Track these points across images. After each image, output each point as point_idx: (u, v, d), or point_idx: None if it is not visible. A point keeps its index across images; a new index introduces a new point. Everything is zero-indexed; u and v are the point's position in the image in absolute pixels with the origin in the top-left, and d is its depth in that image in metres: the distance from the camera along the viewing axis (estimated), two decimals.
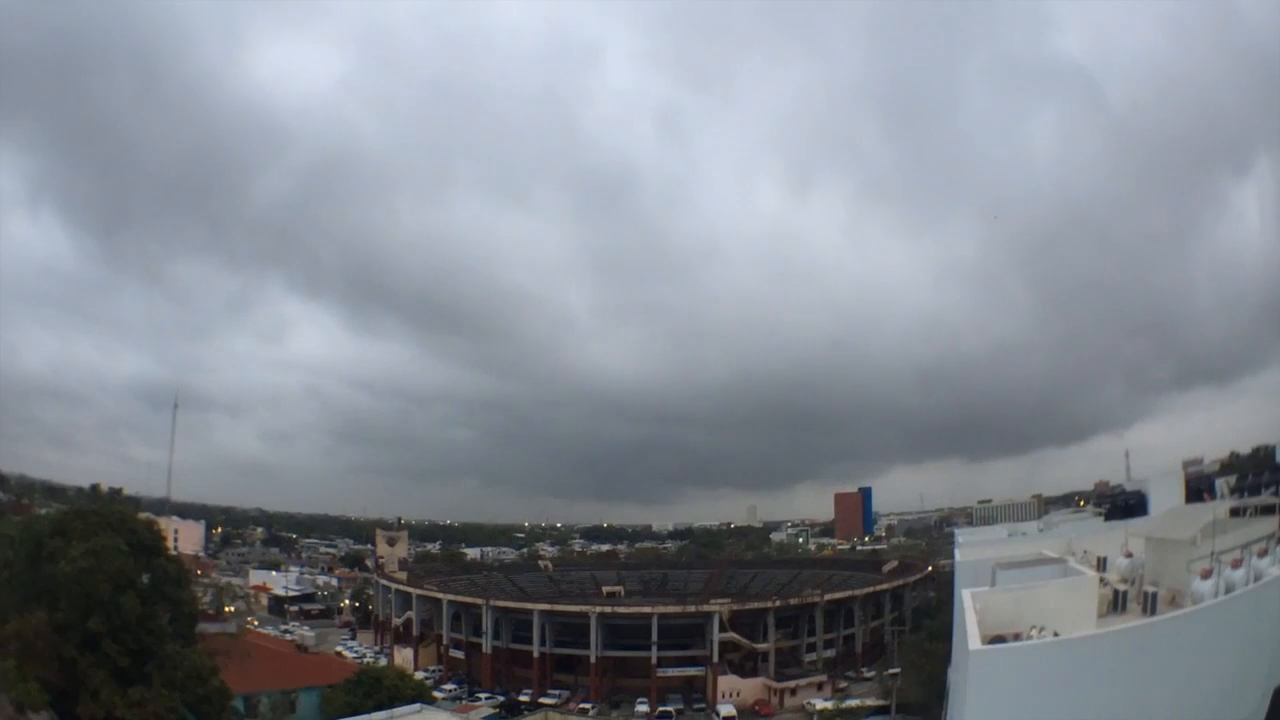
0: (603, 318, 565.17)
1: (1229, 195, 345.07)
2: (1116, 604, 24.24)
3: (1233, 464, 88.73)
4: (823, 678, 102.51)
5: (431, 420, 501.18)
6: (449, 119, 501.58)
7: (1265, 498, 38.71)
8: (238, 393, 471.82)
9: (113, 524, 50.29)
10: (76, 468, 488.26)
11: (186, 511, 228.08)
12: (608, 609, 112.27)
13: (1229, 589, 19.99)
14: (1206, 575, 21.22)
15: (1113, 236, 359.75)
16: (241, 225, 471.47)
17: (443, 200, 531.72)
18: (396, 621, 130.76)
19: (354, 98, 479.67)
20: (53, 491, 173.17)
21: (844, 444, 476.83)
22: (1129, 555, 28.31)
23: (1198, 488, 49.88)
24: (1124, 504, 51.84)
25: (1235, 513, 32.86)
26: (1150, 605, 22.51)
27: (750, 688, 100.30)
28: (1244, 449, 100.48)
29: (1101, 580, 25.69)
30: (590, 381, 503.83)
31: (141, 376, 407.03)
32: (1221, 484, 50.48)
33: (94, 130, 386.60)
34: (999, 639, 20.59)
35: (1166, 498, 45.26)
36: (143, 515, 66.70)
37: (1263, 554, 20.44)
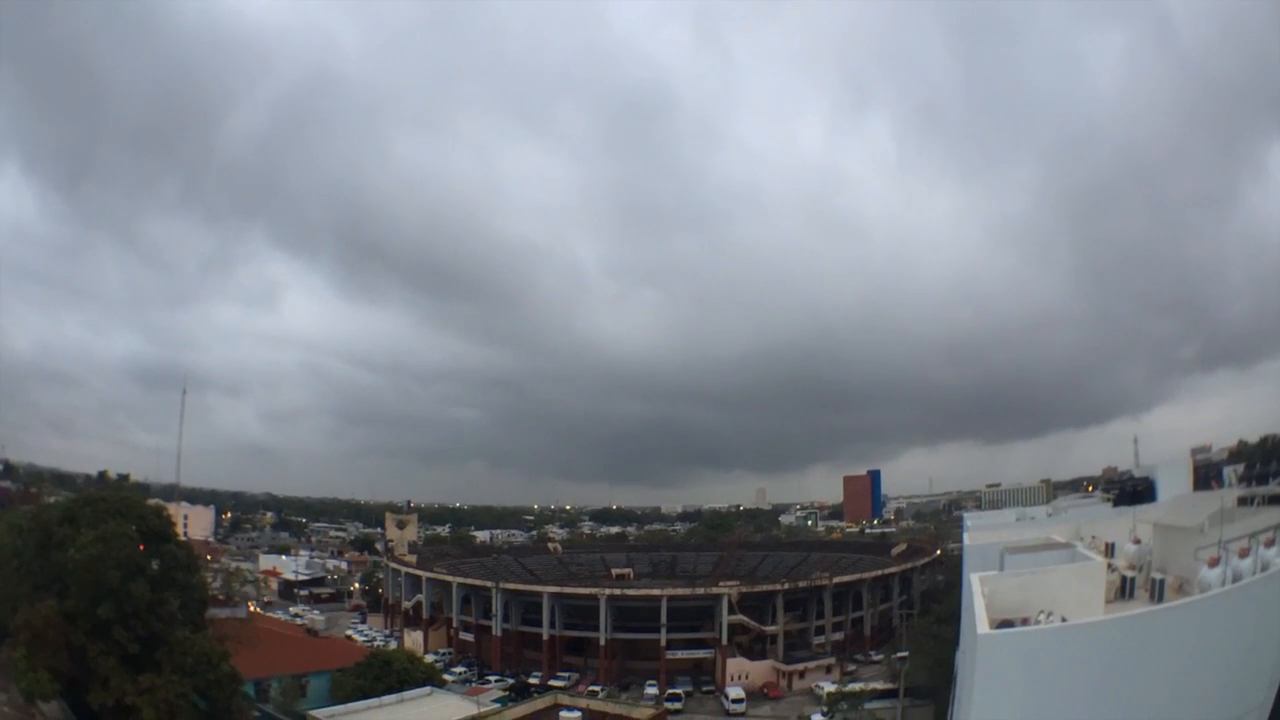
0: (618, 277, 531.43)
1: (1270, 161, 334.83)
2: (1124, 590, 24.13)
3: (1241, 452, 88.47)
4: (831, 661, 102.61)
5: (435, 399, 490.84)
6: (449, 24, 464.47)
7: (1273, 487, 38.59)
8: (234, 371, 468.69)
9: (122, 511, 50.32)
10: (79, 454, 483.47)
11: (196, 497, 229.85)
12: (617, 591, 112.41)
13: (1236, 578, 20.03)
14: (1214, 564, 21.21)
15: (1161, 195, 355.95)
16: (217, 172, 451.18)
17: (442, 127, 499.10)
18: (406, 605, 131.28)
19: (337, 5, 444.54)
20: (61, 480, 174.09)
21: (862, 423, 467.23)
22: (1137, 542, 28.13)
23: (1206, 475, 49.79)
24: (1132, 490, 51.55)
25: (1243, 501, 32.79)
26: (1158, 592, 22.38)
27: (759, 670, 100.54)
28: (1254, 437, 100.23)
29: (1109, 566, 25.51)
30: (601, 355, 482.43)
31: (133, 356, 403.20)
32: (1229, 472, 50.28)
33: (52, 65, 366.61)
34: (1007, 623, 20.52)
35: (1175, 485, 45.03)
36: (152, 501, 66.93)
37: (1270, 544, 20.26)
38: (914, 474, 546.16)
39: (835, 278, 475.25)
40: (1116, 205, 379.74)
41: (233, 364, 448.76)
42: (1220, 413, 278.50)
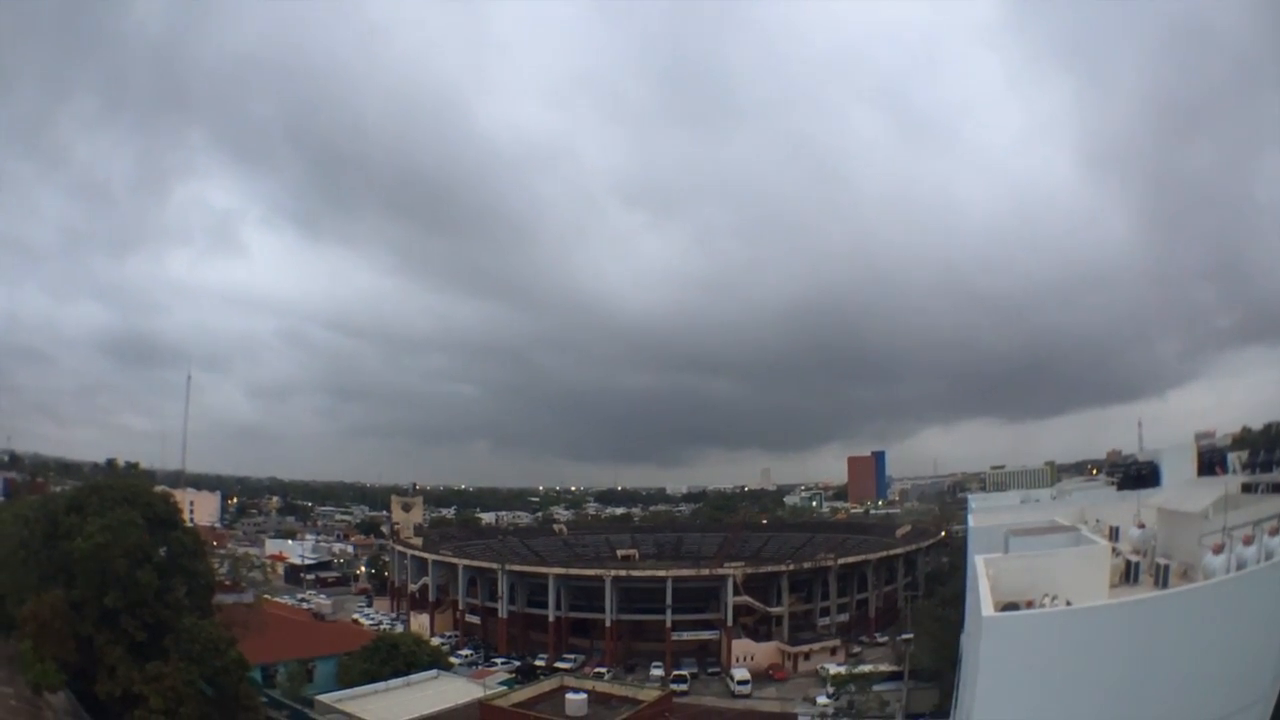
0: (639, 202, 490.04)
1: None
2: (1129, 575, 24.05)
3: (1244, 439, 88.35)
4: (836, 642, 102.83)
5: (430, 374, 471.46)
6: None
7: (1277, 475, 38.47)
8: (206, 340, 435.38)
9: (128, 498, 50.53)
10: (72, 440, 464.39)
11: (201, 483, 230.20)
12: (622, 573, 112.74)
13: (1240, 565, 20.03)
14: (1219, 550, 21.18)
15: (1229, 131, 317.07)
16: (140, 63, 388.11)
17: None
18: (412, 588, 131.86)
19: None
20: (67, 469, 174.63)
21: (886, 397, 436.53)
22: (1142, 526, 28.06)
23: (1210, 461, 49.45)
24: (1136, 474, 51.36)
25: (1247, 488, 32.67)
26: (1162, 577, 22.35)
27: (764, 651, 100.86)
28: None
29: (1114, 550, 25.48)
30: (610, 315, 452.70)
31: (100, 329, 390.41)
32: (1234, 459, 49.97)
33: None
34: (1011, 606, 20.47)
35: (1179, 470, 44.88)
36: (158, 488, 67.23)
37: (1274, 532, 20.24)
38: (921, 455, 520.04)
39: (901, 200, 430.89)
40: (1184, 137, 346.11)
41: (202, 331, 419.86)
42: (1248, 393, 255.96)
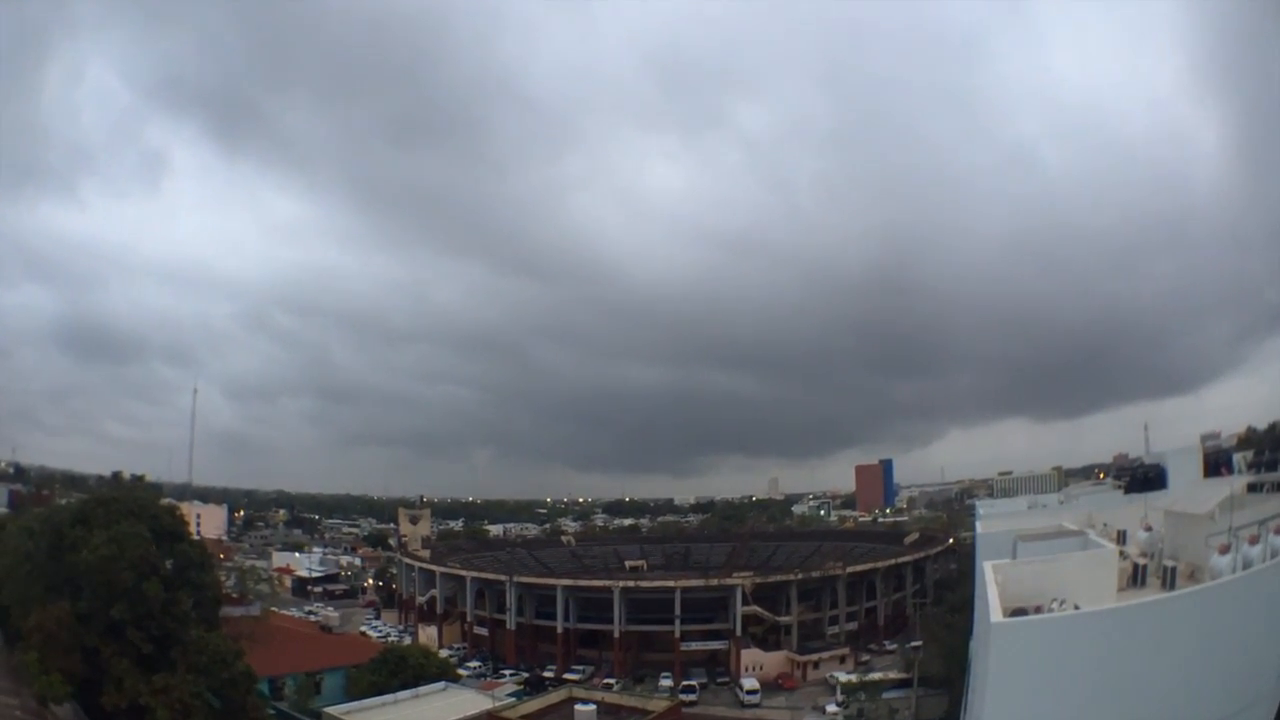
0: (653, 125, 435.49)
1: None
2: (1136, 578, 24.01)
3: (1249, 439, 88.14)
4: (845, 650, 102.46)
5: (416, 371, 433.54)
6: None
7: None
8: (160, 329, 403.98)
9: (135, 511, 50.61)
10: (58, 451, 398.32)
11: (208, 496, 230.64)
12: (631, 583, 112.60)
13: (1246, 565, 20.17)
14: (1225, 551, 21.39)
15: None
16: None
17: None
18: (420, 600, 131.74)
19: None
20: (73, 481, 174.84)
21: (922, 392, 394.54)
22: (1148, 529, 28.17)
23: (1216, 462, 49.39)
24: (1143, 477, 51.40)
25: (1253, 488, 32.58)
26: (1169, 579, 22.38)
27: (773, 661, 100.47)
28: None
29: (1121, 554, 25.48)
30: (614, 279, 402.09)
31: (49, 318, 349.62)
32: (1239, 459, 49.88)
33: None
34: (1020, 611, 20.53)
35: (1185, 472, 44.90)
36: (165, 501, 67.30)
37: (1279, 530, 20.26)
38: (929, 462, 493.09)
39: (967, 152, 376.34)
40: None
41: (150, 315, 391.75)
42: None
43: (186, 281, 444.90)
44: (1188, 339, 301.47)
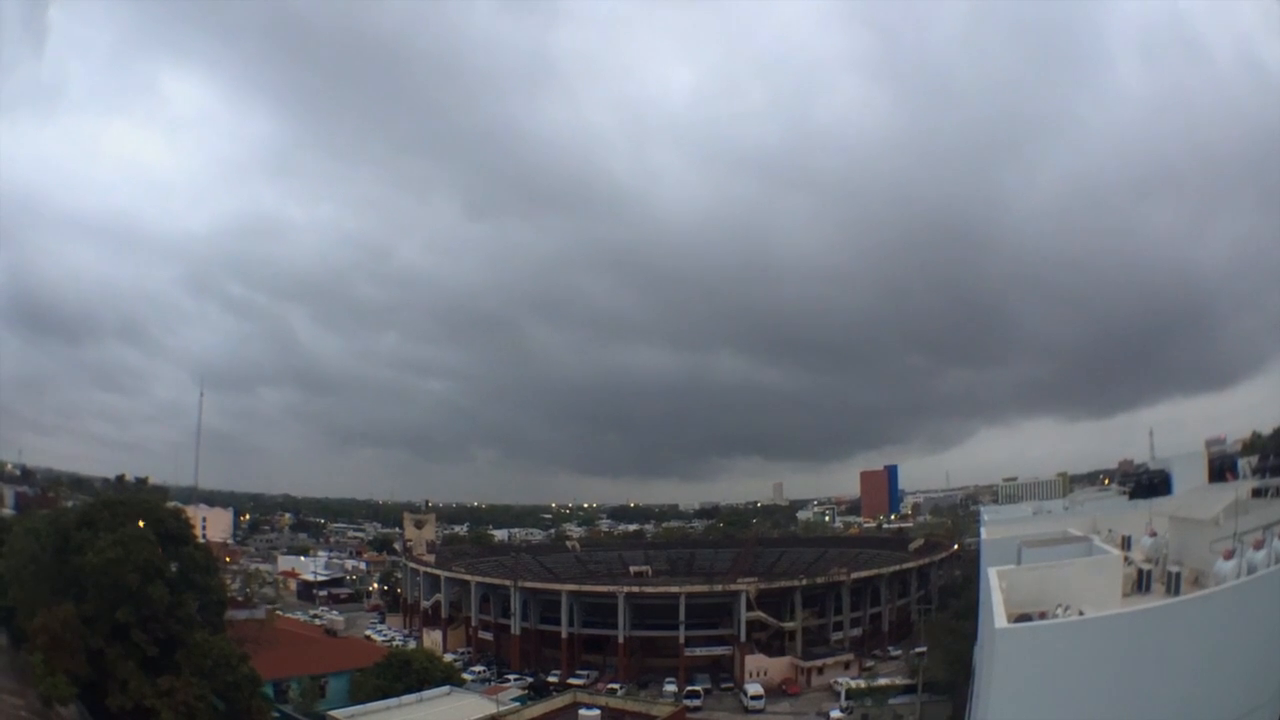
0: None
1: None
2: (1141, 583, 24.02)
3: (1254, 444, 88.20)
4: (850, 656, 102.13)
5: (391, 353, 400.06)
6: None
7: None
8: (99, 300, 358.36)
9: (140, 514, 50.85)
10: (48, 452, 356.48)
11: (214, 499, 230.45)
12: (635, 589, 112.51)
13: (1251, 570, 20.07)
14: (1229, 556, 21.33)
15: None
16: None
17: None
18: (425, 604, 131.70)
19: None
20: (79, 483, 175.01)
21: (972, 382, 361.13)
22: (1153, 534, 28.10)
23: (1220, 467, 49.50)
24: (1148, 483, 51.46)
25: (1257, 493, 32.59)
26: (1174, 585, 22.35)
27: (778, 666, 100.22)
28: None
29: (1126, 559, 25.49)
30: (620, 215, 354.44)
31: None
32: (1244, 464, 49.97)
33: None
34: (1025, 617, 20.44)
35: (1190, 477, 44.94)
36: (170, 504, 67.50)
37: None
38: (934, 468, 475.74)
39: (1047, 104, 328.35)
40: None
41: (88, 282, 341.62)
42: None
43: (114, 238, 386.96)
44: (1240, 321, 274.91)
